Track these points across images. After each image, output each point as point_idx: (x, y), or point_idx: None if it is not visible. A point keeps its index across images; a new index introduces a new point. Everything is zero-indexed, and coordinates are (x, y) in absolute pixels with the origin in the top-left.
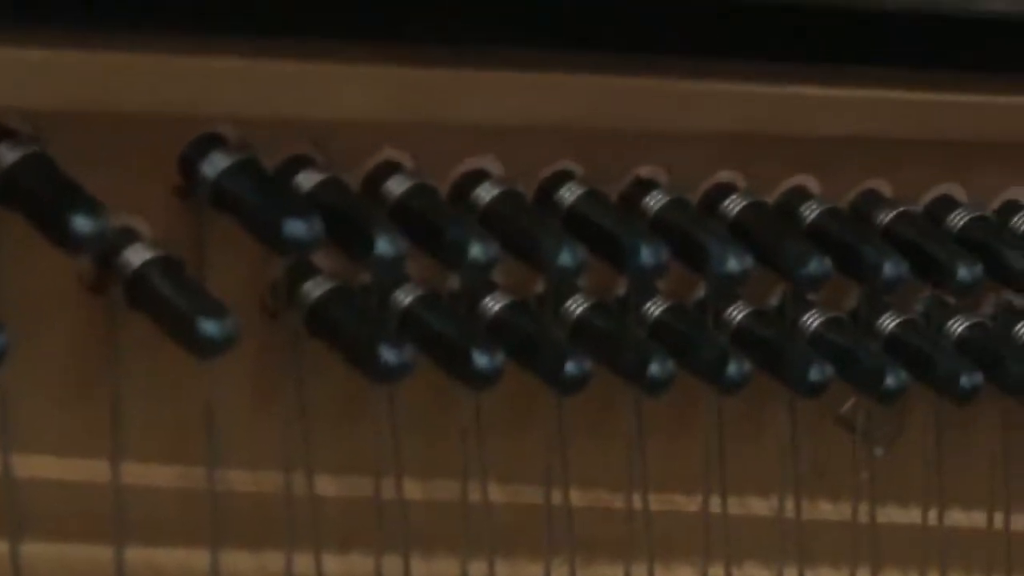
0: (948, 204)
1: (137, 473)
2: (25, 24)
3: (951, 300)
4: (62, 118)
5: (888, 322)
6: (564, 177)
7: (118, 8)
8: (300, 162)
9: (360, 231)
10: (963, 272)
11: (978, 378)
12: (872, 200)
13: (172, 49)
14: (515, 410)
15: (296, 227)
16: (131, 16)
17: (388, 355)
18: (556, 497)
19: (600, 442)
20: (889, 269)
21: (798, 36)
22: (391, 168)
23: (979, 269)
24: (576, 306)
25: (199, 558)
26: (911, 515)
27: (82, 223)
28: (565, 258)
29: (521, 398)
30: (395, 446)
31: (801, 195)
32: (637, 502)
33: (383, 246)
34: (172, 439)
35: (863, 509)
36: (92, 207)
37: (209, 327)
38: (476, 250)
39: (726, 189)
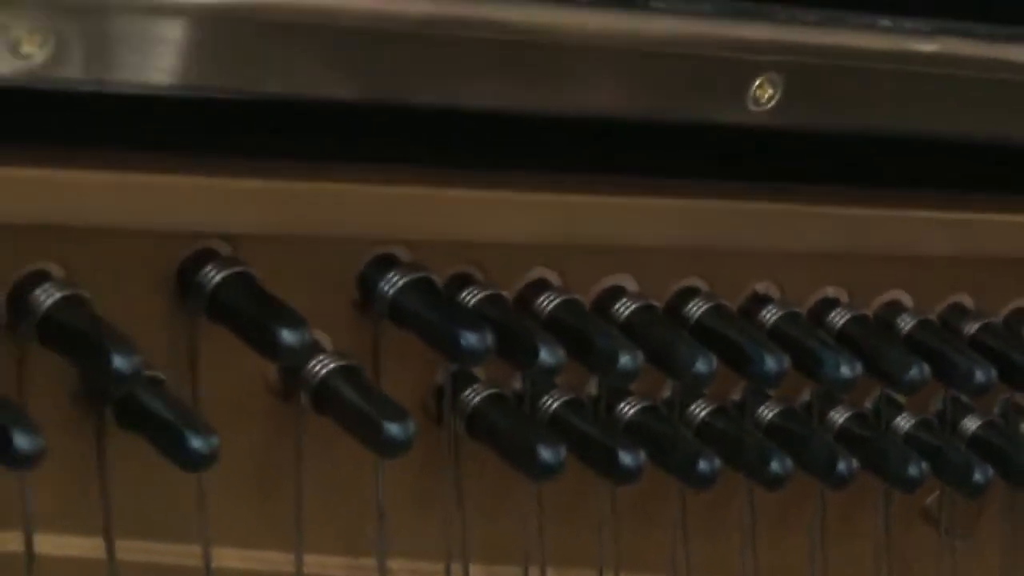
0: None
1: (315, 563)
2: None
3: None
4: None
5: (970, 423)
6: (692, 293)
7: (303, 140)
8: (464, 280)
9: (524, 342)
10: None
11: None
12: (957, 312)
13: (351, 178)
14: (643, 506)
15: (472, 339)
16: (313, 147)
17: (546, 455)
18: None
19: (717, 536)
20: (980, 376)
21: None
22: (542, 285)
23: None
24: (699, 410)
25: None
26: None
27: (289, 336)
28: (700, 366)
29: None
30: (540, 537)
31: (896, 308)
32: None
33: (546, 355)
34: (346, 533)
35: None
36: (297, 321)
37: (394, 429)
38: (625, 359)
39: (831, 303)
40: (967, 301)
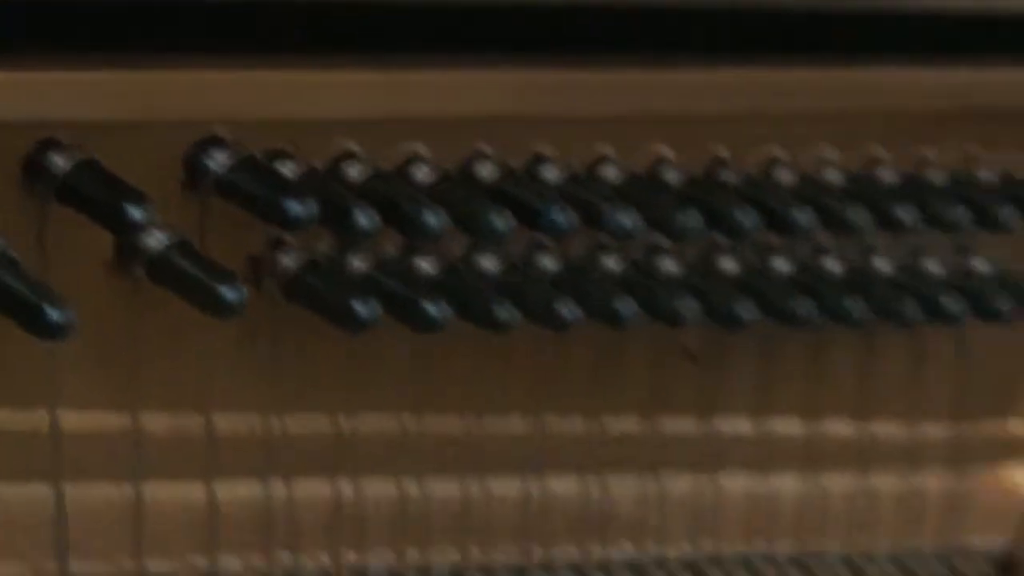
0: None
1: (149, 420)
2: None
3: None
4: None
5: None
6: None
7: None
8: (280, 155)
9: (341, 209)
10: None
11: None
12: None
13: (172, 67)
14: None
15: (297, 207)
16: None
17: (361, 310)
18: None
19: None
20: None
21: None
22: (351, 157)
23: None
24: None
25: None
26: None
27: (135, 212)
28: (498, 224)
29: None
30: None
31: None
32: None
33: (363, 220)
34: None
35: None
36: (142, 198)
37: (228, 293)
38: (430, 220)
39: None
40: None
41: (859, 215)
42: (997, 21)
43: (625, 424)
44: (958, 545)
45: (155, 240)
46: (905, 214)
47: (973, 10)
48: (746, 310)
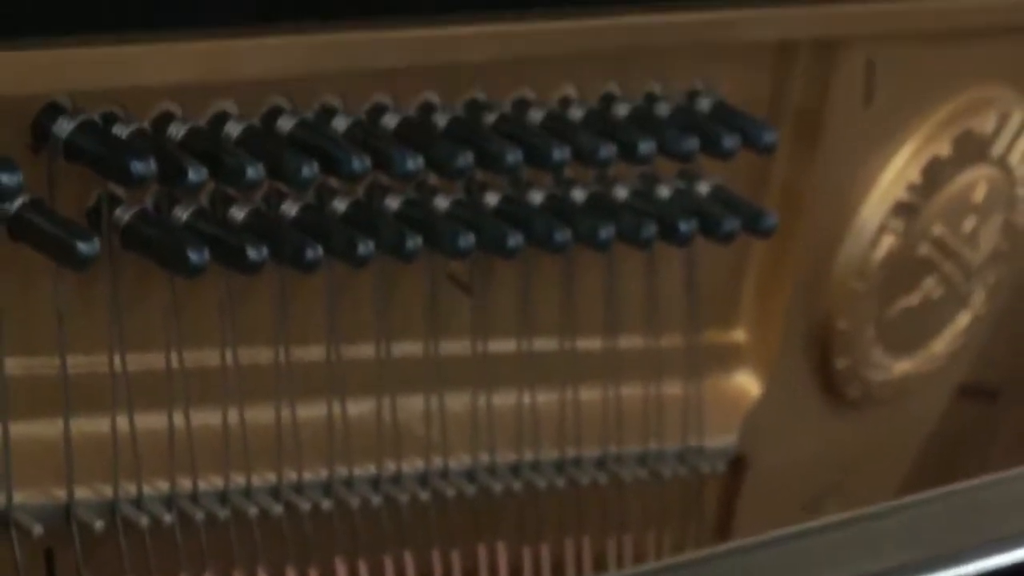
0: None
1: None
2: None
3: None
4: None
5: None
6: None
7: None
8: (113, 118)
9: (174, 164)
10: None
11: None
12: None
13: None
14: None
15: (139, 165)
16: None
17: (194, 256)
18: None
19: None
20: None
21: None
22: (172, 117)
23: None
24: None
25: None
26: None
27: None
28: (306, 171)
29: None
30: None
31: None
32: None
33: (193, 175)
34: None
35: None
36: (9, 165)
37: (84, 247)
38: (251, 171)
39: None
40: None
41: (603, 148)
42: None
43: (409, 348)
44: (696, 446)
45: (10, 202)
46: (638, 146)
47: None
48: (512, 239)
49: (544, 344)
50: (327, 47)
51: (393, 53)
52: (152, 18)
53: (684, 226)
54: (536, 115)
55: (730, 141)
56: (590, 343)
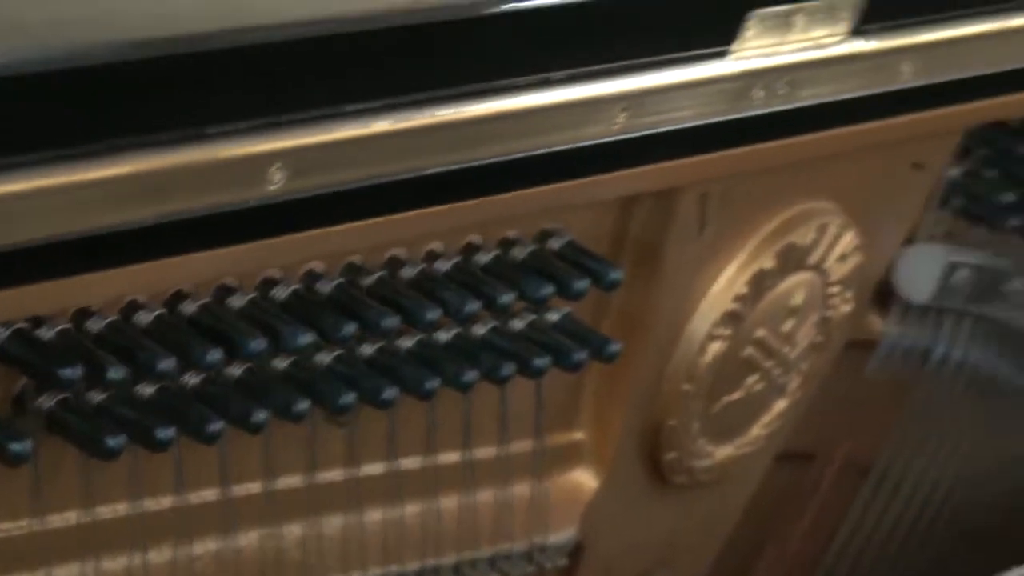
0: None
1: None
2: None
3: None
4: None
5: None
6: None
7: None
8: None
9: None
10: None
11: None
12: None
13: None
14: None
15: (69, 372)
16: None
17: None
18: None
19: None
20: None
21: None
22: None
23: None
24: None
25: None
26: None
27: None
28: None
29: None
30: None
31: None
32: None
33: (113, 373)
34: None
35: None
36: None
37: (17, 447)
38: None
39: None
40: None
41: (468, 304)
42: None
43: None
44: (540, 543)
45: None
46: (499, 299)
47: None
48: (388, 392)
49: (408, 463)
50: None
51: (278, 256)
52: None
53: (538, 362)
54: (409, 272)
55: (580, 284)
56: (448, 457)
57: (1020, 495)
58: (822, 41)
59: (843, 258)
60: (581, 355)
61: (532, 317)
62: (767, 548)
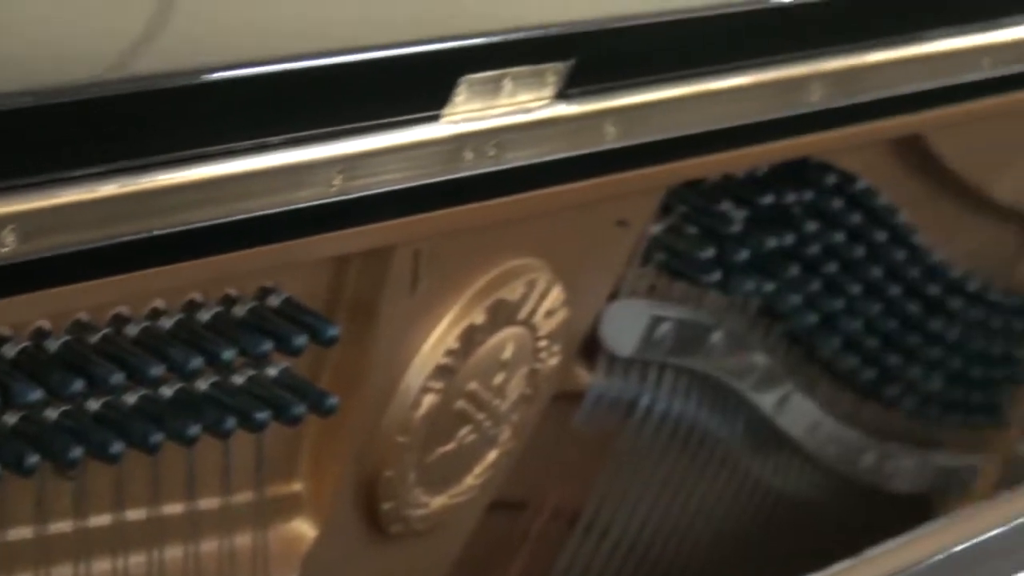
0: None
1: None
2: None
3: None
4: None
5: None
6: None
7: None
8: None
9: None
10: None
11: None
12: None
13: None
14: None
15: None
16: None
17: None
18: None
19: None
20: None
21: None
22: None
23: None
24: None
25: None
26: None
27: None
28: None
29: None
30: None
31: None
32: None
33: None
34: None
35: None
36: None
37: None
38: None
39: None
40: None
41: (192, 361)
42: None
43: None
44: None
45: None
46: (222, 355)
47: None
48: (114, 446)
49: (134, 514)
50: None
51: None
52: None
53: (259, 416)
54: (133, 329)
55: (298, 340)
56: (173, 508)
57: (722, 543)
58: (528, 105)
59: (551, 313)
60: (300, 409)
61: (252, 372)
62: None
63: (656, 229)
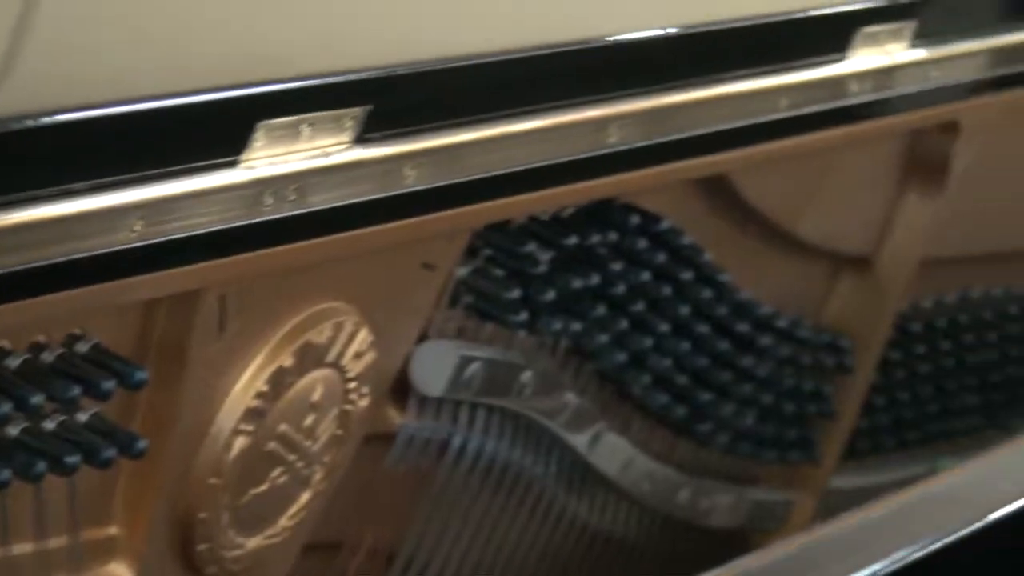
0: None
1: None
2: None
3: None
4: None
5: None
6: None
7: None
8: None
9: None
10: None
11: None
12: None
13: None
14: None
15: None
16: None
17: None
18: None
19: None
20: None
21: None
22: None
23: None
24: None
25: None
26: None
27: None
28: None
29: None
30: None
31: None
32: None
33: None
34: None
35: None
36: None
37: None
38: None
39: None
40: None
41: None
42: None
43: None
44: None
45: None
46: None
47: None
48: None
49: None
50: None
51: None
52: None
53: (69, 460)
54: None
55: (107, 385)
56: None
57: None
58: (328, 149)
59: (359, 355)
60: (110, 452)
61: (63, 417)
62: None
63: (462, 271)
